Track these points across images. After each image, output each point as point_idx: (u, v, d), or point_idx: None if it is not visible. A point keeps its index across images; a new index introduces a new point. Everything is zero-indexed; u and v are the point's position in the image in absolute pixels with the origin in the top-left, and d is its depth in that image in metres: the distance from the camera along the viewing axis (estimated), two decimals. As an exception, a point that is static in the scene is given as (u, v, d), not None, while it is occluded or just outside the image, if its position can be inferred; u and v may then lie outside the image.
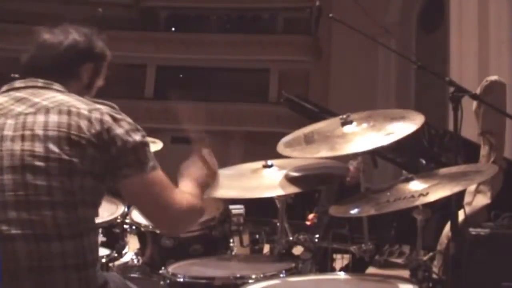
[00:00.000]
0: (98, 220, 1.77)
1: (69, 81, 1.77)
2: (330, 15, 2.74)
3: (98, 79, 1.86)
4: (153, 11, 22.34)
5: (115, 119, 1.65)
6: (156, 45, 20.97)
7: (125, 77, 22.21)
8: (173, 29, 22.31)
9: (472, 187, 3.15)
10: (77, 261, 1.58)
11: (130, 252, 2.87)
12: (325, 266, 4.74)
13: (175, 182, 1.83)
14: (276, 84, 21.18)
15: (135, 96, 21.45)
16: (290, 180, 2.48)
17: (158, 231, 2.66)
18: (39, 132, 1.59)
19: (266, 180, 2.54)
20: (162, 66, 21.57)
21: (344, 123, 2.44)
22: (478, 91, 3.26)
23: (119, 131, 1.64)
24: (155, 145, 3.25)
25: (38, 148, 1.57)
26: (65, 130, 1.59)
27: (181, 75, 22.03)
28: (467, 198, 3.18)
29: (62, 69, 1.77)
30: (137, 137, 1.67)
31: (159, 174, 1.70)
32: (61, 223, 1.56)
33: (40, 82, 1.72)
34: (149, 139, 3.20)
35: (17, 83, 1.73)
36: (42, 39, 1.78)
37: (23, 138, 1.59)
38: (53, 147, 1.57)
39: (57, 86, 1.73)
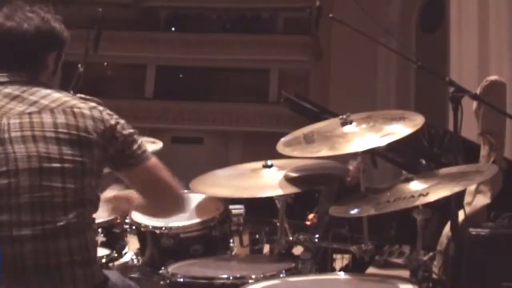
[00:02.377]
0: (98, 220, 1.79)
1: (39, 71, 1.76)
2: (330, 15, 2.74)
3: (60, 63, 1.85)
4: (153, 11, 22.33)
5: (112, 117, 1.73)
6: (156, 45, 20.96)
7: (125, 77, 22.29)
8: (173, 29, 22.30)
9: (472, 187, 3.15)
10: (82, 257, 1.61)
11: (130, 252, 2.87)
12: (325, 266, 4.73)
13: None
14: (276, 84, 21.17)
15: (135, 96, 21.46)
16: (290, 180, 2.48)
17: (158, 231, 2.66)
18: (51, 134, 1.61)
19: (266, 180, 2.54)
20: (162, 66, 21.57)
21: (344, 123, 2.45)
22: (478, 91, 3.25)
23: (118, 127, 1.72)
24: (155, 145, 3.24)
25: (53, 150, 1.60)
26: (75, 132, 1.63)
27: (181, 75, 22.03)
28: (467, 198, 3.18)
29: (32, 60, 1.75)
30: (131, 129, 1.76)
31: (157, 160, 1.82)
32: (71, 221, 1.59)
33: (24, 76, 1.70)
34: (149, 139, 3.20)
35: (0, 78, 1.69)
36: (5, 28, 1.70)
37: (34, 139, 1.59)
38: (66, 150, 1.61)
39: (41, 79, 1.73)
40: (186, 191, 1.94)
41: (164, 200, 1.87)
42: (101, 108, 1.73)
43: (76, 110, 1.66)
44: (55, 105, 1.65)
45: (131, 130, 1.76)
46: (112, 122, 1.71)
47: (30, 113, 1.62)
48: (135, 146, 1.74)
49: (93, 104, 1.72)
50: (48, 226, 1.55)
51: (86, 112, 1.67)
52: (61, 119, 1.63)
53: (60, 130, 1.62)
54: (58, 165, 1.59)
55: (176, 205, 1.91)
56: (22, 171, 1.56)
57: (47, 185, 1.57)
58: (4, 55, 1.72)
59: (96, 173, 1.67)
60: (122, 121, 1.75)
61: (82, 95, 1.80)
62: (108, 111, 1.74)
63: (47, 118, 1.62)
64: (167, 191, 1.83)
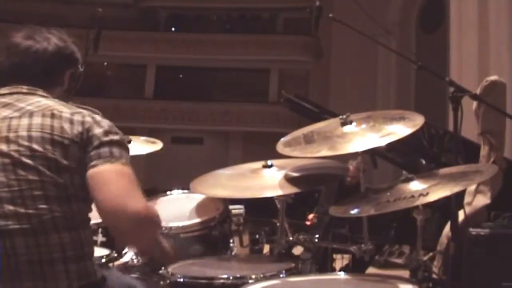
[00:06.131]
0: (98, 220, 1.78)
1: (54, 87, 1.82)
2: (330, 15, 2.73)
3: (76, 83, 1.89)
4: (153, 11, 22.34)
5: (95, 121, 1.71)
6: (156, 45, 20.97)
7: (125, 77, 22.30)
8: (173, 29, 22.30)
9: (472, 187, 3.15)
10: (75, 253, 1.62)
11: (130, 252, 2.86)
12: (325, 266, 4.74)
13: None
14: (276, 84, 21.18)
15: (135, 96, 21.47)
16: (290, 180, 2.48)
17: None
18: (23, 133, 1.64)
19: (266, 180, 2.54)
20: (162, 66, 21.57)
21: (344, 123, 2.45)
22: (478, 91, 3.25)
23: (97, 131, 1.69)
24: (155, 145, 3.24)
25: (23, 147, 1.62)
26: (48, 131, 1.65)
27: (181, 75, 22.03)
28: (467, 198, 3.18)
29: (49, 77, 1.81)
30: (114, 136, 1.70)
31: (129, 170, 1.68)
32: (57, 215, 1.61)
33: (24, 88, 1.75)
34: (149, 139, 3.18)
35: (2, 90, 1.76)
36: (24, 45, 1.78)
37: (7, 139, 1.63)
38: (36, 146, 1.62)
39: (41, 92, 1.77)
40: (152, 210, 1.64)
41: (117, 214, 1.59)
42: (86, 113, 1.72)
43: (55, 112, 1.68)
44: (37, 109, 1.69)
45: (113, 138, 1.69)
46: (94, 126, 1.69)
47: (11, 118, 1.67)
48: (106, 150, 1.66)
49: (79, 110, 1.73)
50: (34, 220, 1.58)
51: (66, 115, 1.69)
52: (37, 120, 1.66)
53: (34, 129, 1.64)
54: (30, 161, 1.61)
55: (127, 219, 1.59)
56: None
57: (24, 178, 1.60)
58: (21, 72, 1.77)
59: (76, 171, 1.65)
60: (107, 128, 1.70)
61: (80, 105, 1.79)
62: (96, 116, 1.72)
63: (24, 121, 1.66)
64: (126, 203, 1.59)
